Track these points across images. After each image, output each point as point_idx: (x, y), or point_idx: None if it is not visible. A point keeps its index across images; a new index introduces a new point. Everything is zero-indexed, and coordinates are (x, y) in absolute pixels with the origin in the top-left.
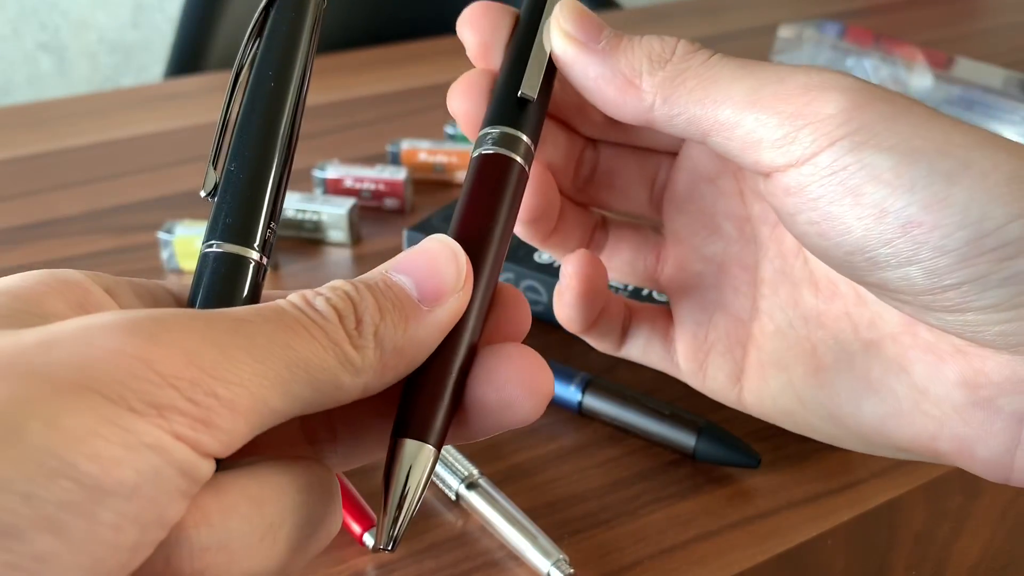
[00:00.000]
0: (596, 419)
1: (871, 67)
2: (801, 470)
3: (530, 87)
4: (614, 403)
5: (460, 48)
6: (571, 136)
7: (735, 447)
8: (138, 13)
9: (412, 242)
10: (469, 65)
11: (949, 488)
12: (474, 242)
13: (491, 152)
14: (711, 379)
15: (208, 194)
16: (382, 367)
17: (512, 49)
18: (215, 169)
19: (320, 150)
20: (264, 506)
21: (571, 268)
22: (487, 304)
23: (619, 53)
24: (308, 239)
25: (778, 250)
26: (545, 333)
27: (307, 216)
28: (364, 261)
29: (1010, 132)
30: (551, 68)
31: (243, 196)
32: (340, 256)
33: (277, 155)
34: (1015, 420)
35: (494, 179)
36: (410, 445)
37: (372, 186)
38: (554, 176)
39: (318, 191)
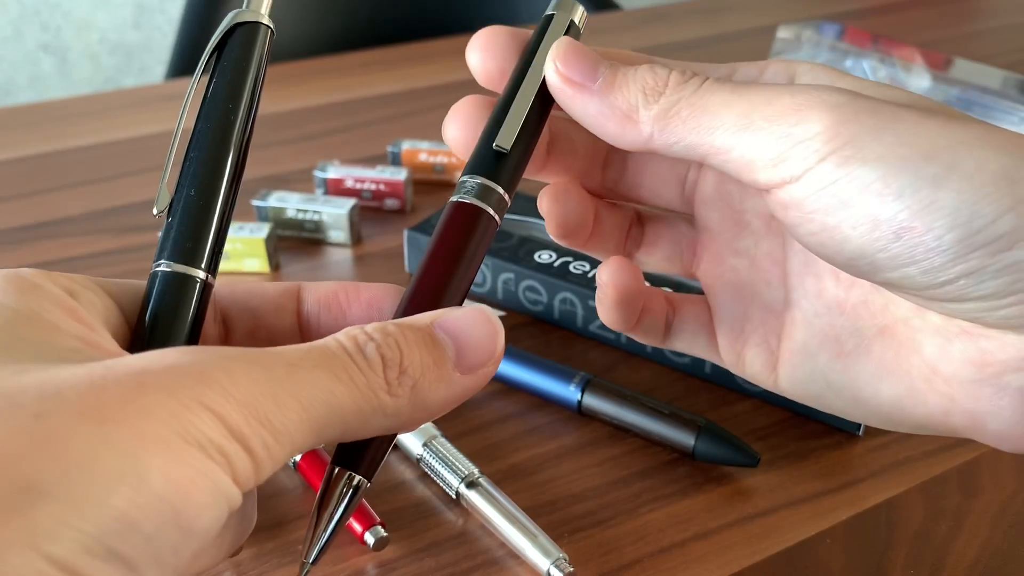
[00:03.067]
0: (596, 418)
1: (869, 68)
2: (800, 469)
3: (505, 139)
4: (614, 403)
5: (460, 49)
6: (597, 137)
7: (734, 446)
8: (139, 14)
9: (412, 242)
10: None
11: (947, 487)
12: (438, 286)
13: (466, 201)
14: (749, 366)
15: (161, 211)
16: (409, 417)
17: (505, 91)
18: (167, 189)
19: (321, 150)
20: None
21: (605, 276)
22: None
23: (615, 90)
24: (309, 239)
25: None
26: (545, 333)
27: (308, 216)
28: (364, 261)
29: None
30: (546, 102)
31: (198, 219)
32: (340, 256)
33: (227, 182)
34: (1022, 394)
35: (464, 228)
36: (352, 478)
37: (373, 186)
38: (584, 177)
39: (319, 191)
